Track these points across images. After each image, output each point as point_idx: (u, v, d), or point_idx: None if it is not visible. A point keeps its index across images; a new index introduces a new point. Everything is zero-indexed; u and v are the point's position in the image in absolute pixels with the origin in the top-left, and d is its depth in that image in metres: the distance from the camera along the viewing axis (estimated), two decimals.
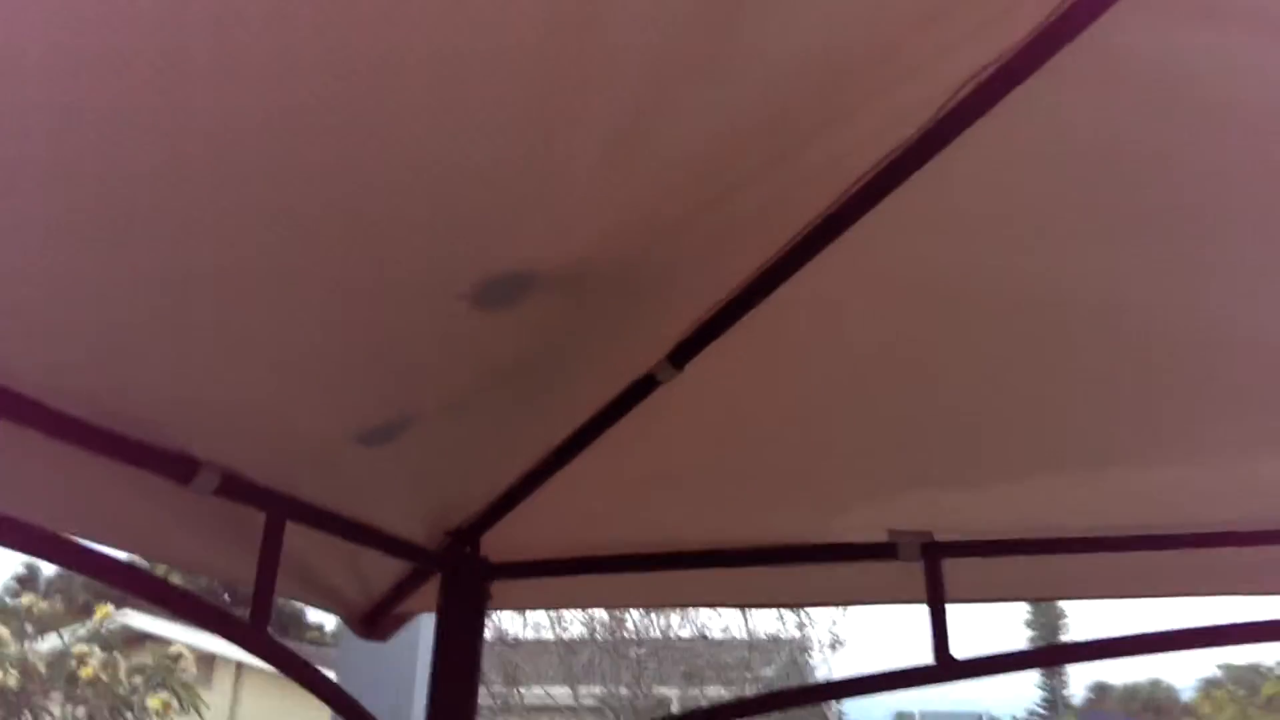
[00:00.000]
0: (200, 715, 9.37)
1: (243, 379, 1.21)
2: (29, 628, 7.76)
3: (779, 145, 1.18)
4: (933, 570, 1.68)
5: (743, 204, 1.27)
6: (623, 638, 10.55)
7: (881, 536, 1.71)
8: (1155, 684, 46.62)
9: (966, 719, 26.42)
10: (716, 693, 9.97)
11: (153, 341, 1.07)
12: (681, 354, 1.59)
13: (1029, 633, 43.20)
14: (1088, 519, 1.60)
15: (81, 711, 7.85)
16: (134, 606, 14.25)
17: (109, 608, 8.83)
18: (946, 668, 1.63)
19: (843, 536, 1.73)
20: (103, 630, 8.25)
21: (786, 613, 11.06)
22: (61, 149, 0.79)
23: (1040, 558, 1.64)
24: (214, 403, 1.25)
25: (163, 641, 11.80)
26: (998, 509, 1.67)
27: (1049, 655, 1.72)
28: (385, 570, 1.97)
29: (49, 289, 0.93)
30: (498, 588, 1.94)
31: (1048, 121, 1.19)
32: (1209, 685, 30.50)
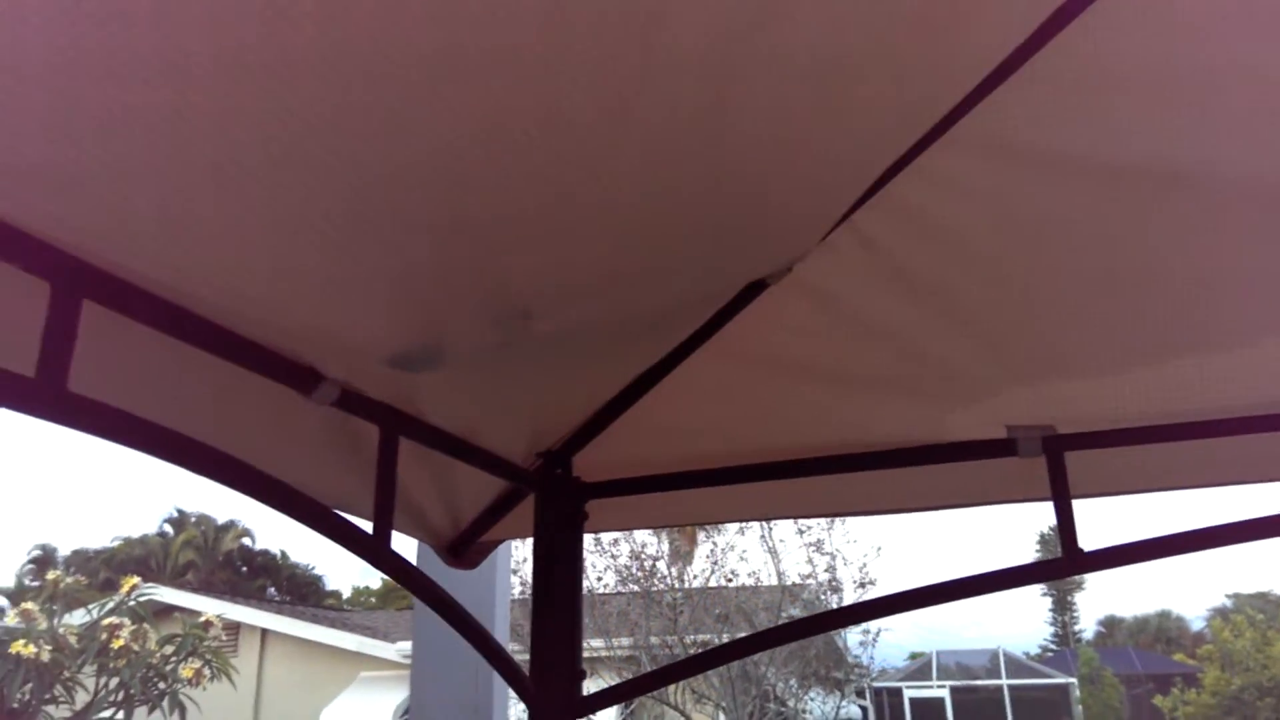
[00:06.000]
0: (231, 682, 9.45)
1: (356, 300, 1.16)
2: (55, 605, 7.80)
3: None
4: (1055, 464, 1.62)
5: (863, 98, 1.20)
6: (654, 587, 10.61)
7: (1000, 433, 1.66)
8: (1164, 615, 47.20)
9: (980, 656, 26.70)
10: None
11: (283, 261, 1.02)
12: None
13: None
14: (1212, 402, 1.54)
15: (114, 683, 7.91)
16: (159, 581, 14.36)
17: (136, 579, 8.89)
18: (1074, 561, 1.58)
19: (959, 435, 1.67)
20: (130, 603, 8.29)
21: (816, 556, 11.16)
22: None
23: (1164, 445, 1.58)
24: (331, 325, 1.20)
25: (191, 613, 11.90)
26: (1116, 398, 1.61)
27: (1180, 543, 1.64)
28: (475, 496, 1.93)
29: (186, 190, 0.87)
30: (593, 507, 1.89)
31: None
32: (1222, 613, 30.85)
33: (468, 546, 2.02)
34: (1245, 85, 1.23)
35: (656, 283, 1.49)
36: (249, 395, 1.23)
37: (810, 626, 1.89)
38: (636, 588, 11.11)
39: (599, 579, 10.93)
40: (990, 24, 1.17)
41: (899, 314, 1.62)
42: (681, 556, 11.47)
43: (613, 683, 1.99)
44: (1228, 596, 36.91)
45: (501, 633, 3.08)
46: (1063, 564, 1.59)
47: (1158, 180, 1.36)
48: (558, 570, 1.82)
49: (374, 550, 1.35)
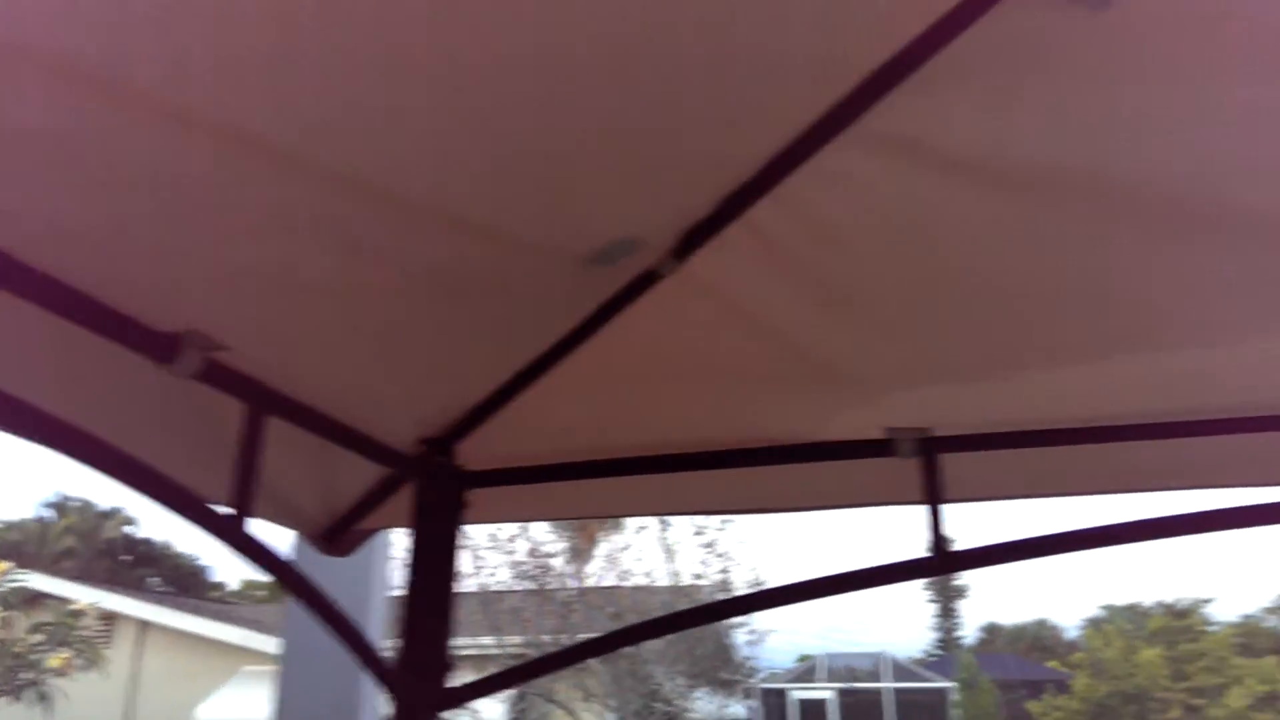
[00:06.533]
0: (103, 672, 9.04)
1: (235, 257, 1.10)
2: None
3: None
4: (930, 467, 1.66)
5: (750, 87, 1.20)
6: (547, 586, 10.56)
7: (880, 434, 1.68)
8: (1041, 623, 49.21)
9: (865, 659, 27.48)
10: None
11: (152, 219, 0.96)
12: (686, 245, 1.53)
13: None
14: (1088, 410, 1.60)
15: None
16: (35, 567, 13.69)
17: (6, 564, 8.46)
18: (944, 561, 1.62)
19: (841, 435, 1.69)
20: (1, 588, 7.89)
21: (710, 557, 11.26)
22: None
23: (1041, 452, 1.63)
24: (202, 289, 1.14)
25: (64, 601, 11.35)
26: (996, 404, 1.65)
27: (1041, 546, 1.69)
28: (351, 482, 1.88)
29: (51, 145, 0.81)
30: (474, 497, 1.86)
31: None
32: (1095, 623, 32.32)
33: (344, 533, 1.96)
34: (1144, 92, 1.26)
35: (542, 265, 1.47)
36: (101, 363, 1.17)
37: (678, 622, 1.90)
38: (534, 585, 11.04)
39: (491, 575, 10.84)
40: (880, 19, 1.18)
41: (788, 312, 1.63)
42: (581, 555, 11.46)
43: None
44: (1101, 607, 38.71)
45: (378, 624, 3.01)
46: (932, 563, 1.62)
47: (1052, 188, 1.39)
48: (433, 559, 1.78)
49: (232, 532, 1.29)
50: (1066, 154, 1.32)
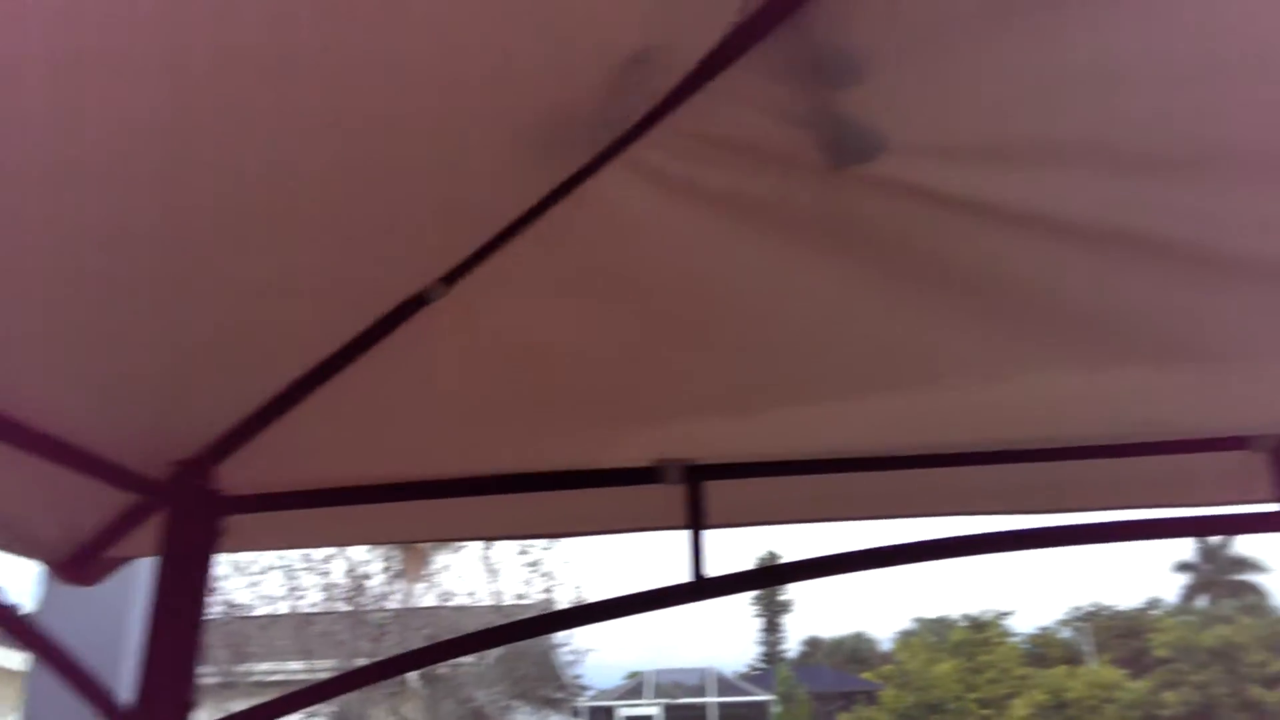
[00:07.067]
0: None
1: None
2: None
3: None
4: (694, 494, 1.70)
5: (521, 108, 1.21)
6: (362, 606, 10.22)
7: (649, 461, 1.71)
8: (859, 636, 51.43)
9: (692, 674, 28.07)
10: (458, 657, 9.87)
11: None
12: (455, 272, 1.51)
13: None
14: (842, 442, 1.67)
15: None
16: None
17: None
18: (702, 587, 1.65)
19: (614, 462, 1.71)
20: None
21: (534, 576, 11.19)
22: None
23: (803, 479, 1.70)
24: None
25: None
26: (763, 437, 1.71)
27: (795, 571, 1.76)
28: (95, 507, 1.75)
29: None
30: (233, 524, 1.77)
31: None
32: (906, 635, 34.02)
33: (90, 562, 1.83)
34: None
35: (303, 283, 1.42)
36: None
37: (472, 643, 1.85)
38: (350, 606, 10.66)
39: (300, 598, 10.39)
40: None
41: (562, 341, 1.64)
42: (410, 575, 11.16)
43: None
44: (914, 620, 40.87)
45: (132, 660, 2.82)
46: (692, 589, 1.66)
47: (829, 231, 1.43)
48: (179, 589, 1.68)
49: None
50: (806, 194, 1.38)
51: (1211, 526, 1.64)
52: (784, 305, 1.51)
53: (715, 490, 1.73)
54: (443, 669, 10.02)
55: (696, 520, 1.69)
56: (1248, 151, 1.26)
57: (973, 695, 23.95)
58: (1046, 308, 1.45)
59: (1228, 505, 1.67)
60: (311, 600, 10.46)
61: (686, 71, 1.27)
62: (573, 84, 1.22)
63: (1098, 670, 29.92)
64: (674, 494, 1.71)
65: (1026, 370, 1.52)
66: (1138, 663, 31.56)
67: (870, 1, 1.20)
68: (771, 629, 48.57)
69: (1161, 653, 29.99)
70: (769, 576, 1.65)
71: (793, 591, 48.45)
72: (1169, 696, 28.50)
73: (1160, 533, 1.57)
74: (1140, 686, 28.97)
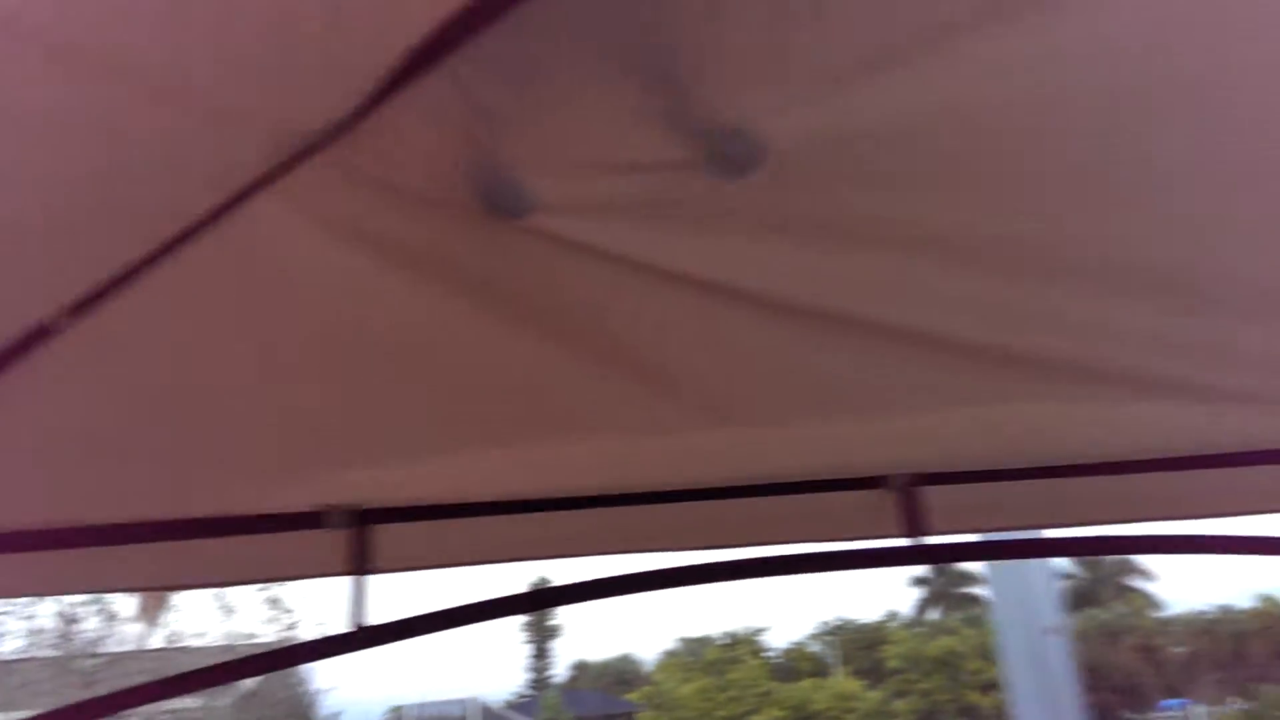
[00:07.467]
0: None
1: None
2: None
3: None
4: (359, 540, 1.66)
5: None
6: (72, 651, 9.27)
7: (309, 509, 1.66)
8: (625, 658, 52.21)
9: (455, 705, 27.67)
10: (182, 703, 9.16)
11: None
12: (84, 302, 1.40)
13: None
14: (500, 488, 1.69)
15: None
16: None
17: None
18: (363, 637, 1.62)
19: (281, 508, 1.65)
20: None
21: (273, 613, 10.59)
22: None
23: (475, 521, 1.71)
24: None
25: None
26: (435, 481, 1.70)
27: (481, 611, 1.70)
28: None
29: None
30: None
31: None
32: (667, 655, 34.86)
33: None
34: None
35: None
36: None
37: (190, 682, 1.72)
38: (59, 653, 9.64)
39: None
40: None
41: (215, 382, 1.56)
42: (148, 616, 10.19)
43: None
44: (678, 639, 41.99)
45: None
46: (353, 637, 1.62)
47: (485, 279, 1.43)
48: None
49: None
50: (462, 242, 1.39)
51: (845, 562, 1.78)
52: (442, 354, 1.51)
53: (389, 535, 1.71)
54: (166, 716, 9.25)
55: (360, 566, 1.65)
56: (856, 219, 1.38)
57: (720, 714, 24.92)
58: (702, 364, 1.52)
59: (861, 540, 1.82)
60: (11, 647, 9.40)
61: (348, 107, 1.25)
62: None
63: (841, 682, 31.94)
64: (339, 539, 1.67)
65: (683, 427, 1.58)
66: (876, 673, 33.97)
67: (513, 56, 1.23)
68: (540, 654, 48.35)
69: (894, 663, 32.49)
70: (433, 622, 1.63)
71: (562, 615, 48.51)
72: (899, 705, 30.89)
73: (796, 569, 1.70)
74: (875, 696, 31.19)
